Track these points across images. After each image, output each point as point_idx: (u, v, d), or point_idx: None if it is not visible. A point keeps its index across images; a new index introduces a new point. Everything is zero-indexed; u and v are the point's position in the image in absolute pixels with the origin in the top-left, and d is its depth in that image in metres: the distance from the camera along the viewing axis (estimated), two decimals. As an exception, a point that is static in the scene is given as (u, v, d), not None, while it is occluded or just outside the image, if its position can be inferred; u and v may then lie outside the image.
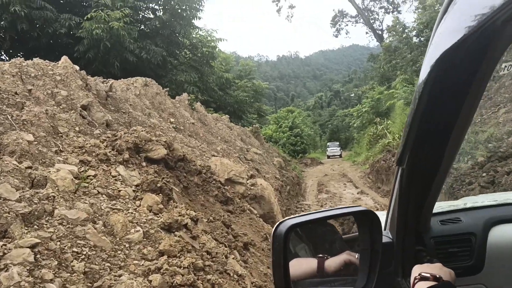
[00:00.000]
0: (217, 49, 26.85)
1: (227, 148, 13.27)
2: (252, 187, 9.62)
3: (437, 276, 1.26)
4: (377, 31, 65.47)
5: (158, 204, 5.82)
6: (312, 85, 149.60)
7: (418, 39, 39.97)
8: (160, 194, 6.12)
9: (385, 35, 56.60)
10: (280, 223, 1.34)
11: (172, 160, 7.40)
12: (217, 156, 10.57)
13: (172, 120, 11.33)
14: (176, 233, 5.38)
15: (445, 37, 0.97)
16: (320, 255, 1.54)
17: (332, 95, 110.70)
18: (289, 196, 16.74)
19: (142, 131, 7.12)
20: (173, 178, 7.18)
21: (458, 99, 1.12)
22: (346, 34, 66.67)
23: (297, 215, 1.42)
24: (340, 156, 52.56)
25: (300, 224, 1.38)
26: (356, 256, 1.53)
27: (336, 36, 59.65)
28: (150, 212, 5.69)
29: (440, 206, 1.91)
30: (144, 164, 6.76)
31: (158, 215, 5.63)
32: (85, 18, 17.77)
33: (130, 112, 9.46)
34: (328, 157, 53.29)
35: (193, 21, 22.64)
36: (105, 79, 10.53)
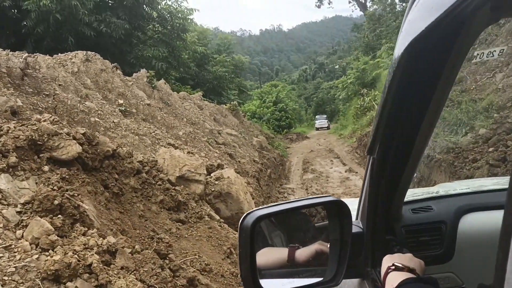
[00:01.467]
0: (189, 21, 24.39)
1: (193, 131, 11.21)
2: (216, 182, 7.60)
3: (411, 267, 1.23)
4: (360, 0, 62.96)
5: (50, 235, 3.80)
6: (296, 58, 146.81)
7: (402, 5, 37.98)
8: (60, 216, 4.09)
9: (369, 4, 54.51)
10: (248, 214, 1.28)
11: (95, 159, 5.32)
12: (173, 144, 8.51)
13: (120, 101, 9.19)
14: (69, 284, 3.38)
15: (414, 24, 0.95)
16: (292, 245, 1.48)
17: (316, 67, 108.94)
18: (270, 180, 14.78)
19: (44, 121, 5.01)
20: (94, 184, 5.13)
21: (428, 88, 1.10)
22: (329, 4, 63.56)
23: (266, 205, 1.39)
24: (328, 128, 51.09)
25: (268, 215, 1.33)
26: (328, 247, 1.46)
27: (319, 7, 57.22)
28: (35, 248, 3.70)
29: (415, 193, 1.90)
30: (46, 168, 4.69)
31: (47, 253, 3.63)
32: (31, -13, 15.32)
33: (57, 94, 7.30)
34: (317, 129, 52.25)
35: (159, -11, 20.19)
36: (29, 54, 8.33)
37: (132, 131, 7.82)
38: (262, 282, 1.29)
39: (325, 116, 56.48)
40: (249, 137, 19.24)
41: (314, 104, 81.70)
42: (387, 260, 1.30)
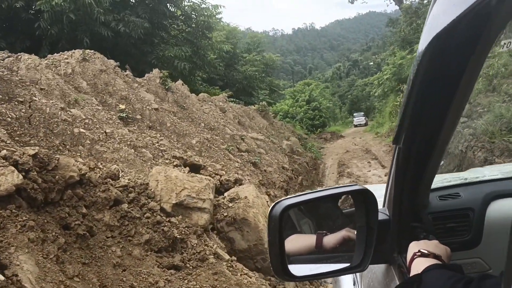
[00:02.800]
0: (216, 19, 22.91)
1: (211, 138, 9.66)
2: (230, 205, 6.01)
3: (436, 254, 1.24)
4: (395, -7, 60.10)
5: None
6: (329, 56, 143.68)
7: (441, -4, 35.32)
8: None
9: (404, -4, 51.85)
10: (276, 203, 1.32)
11: (51, 190, 3.81)
12: (181, 157, 6.96)
13: (122, 107, 7.74)
14: None
15: (439, 18, 0.95)
16: (320, 232, 1.49)
17: (350, 65, 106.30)
18: (301, 188, 13.10)
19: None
20: (44, 226, 3.63)
21: (454, 79, 1.09)
22: (362, -1, 61.05)
23: (294, 195, 1.40)
24: (366, 124, 50.04)
25: (295, 204, 1.35)
26: (355, 233, 1.46)
27: (352, 3, 54.68)
28: None
29: (445, 178, 1.89)
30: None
31: None
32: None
33: (34, 100, 5.88)
34: (355, 126, 51.73)
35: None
36: (11, 54, 6.98)
37: (128, 142, 6.33)
38: (291, 267, 1.32)
39: (363, 113, 55.01)
40: (279, 139, 17.56)
41: (349, 101, 79.44)
42: (413, 247, 1.30)
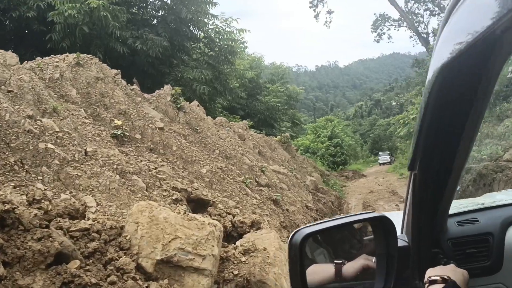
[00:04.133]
0: (240, 44, 21.65)
1: (225, 168, 8.01)
2: (243, 260, 4.29)
3: (446, 277, 1.23)
4: (422, 35, 58.92)
5: None
6: (351, 95, 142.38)
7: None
8: None
9: (431, 38, 50.77)
10: (296, 232, 1.29)
11: None
12: (184, 189, 5.29)
13: (118, 122, 6.18)
14: None
15: (447, 45, 0.97)
16: (338, 261, 1.46)
17: (372, 104, 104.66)
18: (326, 232, 11.28)
19: None
20: None
21: (465, 105, 1.11)
22: (389, 39, 60.17)
23: (313, 223, 1.38)
24: (391, 162, 49.19)
25: (315, 232, 1.33)
26: (374, 260, 1.46)
27: (378, 41, 53.85)
28: None
29: (461, 204, 1.89)
30: None
31: None
32: (58, -4, 13.07)
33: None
34: (380, 164, 51.34)
35: (207, 7, 17.52)
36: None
37: (115, 166, 4.72)
38: None
39: (388, 152, 53.75)
40: (301, 174, 15.81)
41: (370, 140, 77.47)
42: (427, 274, 1.29)
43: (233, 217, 5.70)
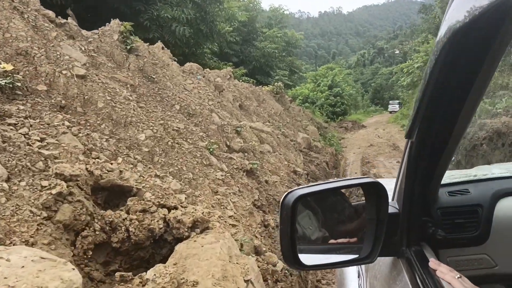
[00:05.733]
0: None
1: (183, 129, 6.00)
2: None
3: None
4: (430, -21, 54.99)
5: None
6: (354, 42, 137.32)
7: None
8: None
9: (440, -17, 47.10)
10: (289, 193, 1.28)
11: None
12: (60, 181, 3.32)
13: (5, 66, 4.11)
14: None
15: (458, 13, 0.95)
16: (329, 223, 1.50)
17: (375, 52, 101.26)
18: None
19: None
20: None
21: (471, 74, 1.06)
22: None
23: (305, 185, 1.36)
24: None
25: (308, 194, 1.32)
26: (364, 225, 1.45)
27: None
28: None
29: (453, 175, 1.86)
30: None
31: None
32: None
33: None
34: (390, 112, 51.46)
35: None
36: None
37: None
38: (301, 257, 1.30)
39: (398, 101, 52.86)
40: (294, 130, 13.78)
41: (372, 90, 75.15)
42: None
43: (169, 211, 3.77)
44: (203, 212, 3.86)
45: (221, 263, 3.00)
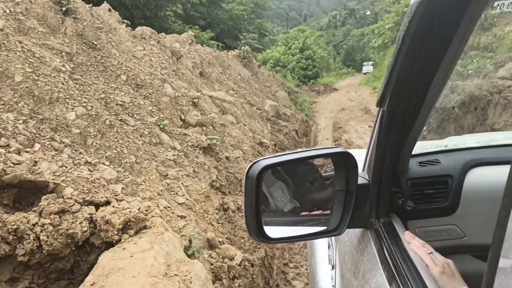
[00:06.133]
0: None
1: (128, 104, 5.22)
2: None
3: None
4: None
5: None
6: (325, 3, 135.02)
7: None
8: None
9: None
10: (254, 163, 1.21)
11: None
12: None
13: None
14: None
15: None
16: (296, 194, 1.43)
17: (347, 13, 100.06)
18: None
19: None
20: None
21: (444, 40, 1.03)
22: None
23: (272, 155, 1.28)
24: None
25: (274, 165, 1.24)
26: (333, 196, 1.41)
27: None
28: None
29: (424, 146, 1.84)
30: None
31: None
32: None
33: None
34: (364, 74, 49.44)
35: None
36: None
37: None
38: (267, 229, 1.25)
39: (371, 62, 51.37)
40: (262, 97, 13.06)
41: (344, 52, 74.57)
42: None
43: (97, 208, 3.09)
44: (139, 208, 3.19)
45: (151, 282, 2.37)
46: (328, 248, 2.34)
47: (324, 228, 1.36)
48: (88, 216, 3.02)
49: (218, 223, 4.68)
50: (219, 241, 4.24)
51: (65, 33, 5.79)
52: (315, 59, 40.61)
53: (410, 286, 1.05)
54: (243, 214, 4.89)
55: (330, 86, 39.09)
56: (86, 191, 3.19)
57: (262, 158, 1.24)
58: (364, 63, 55.40)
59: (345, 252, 1.73)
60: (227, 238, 4.60)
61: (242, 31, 26.87)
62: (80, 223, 2.94)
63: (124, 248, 2.72)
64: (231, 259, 4.04)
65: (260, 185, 1.18)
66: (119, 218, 2.96)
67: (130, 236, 2.99)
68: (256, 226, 1.21)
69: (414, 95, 1.19)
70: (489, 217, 0.76)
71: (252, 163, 1.22)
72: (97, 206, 3.17)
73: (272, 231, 1.26)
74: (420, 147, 1.77)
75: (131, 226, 3.03)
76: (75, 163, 3.55)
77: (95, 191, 3.27)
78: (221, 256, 3.95)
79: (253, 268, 4.51)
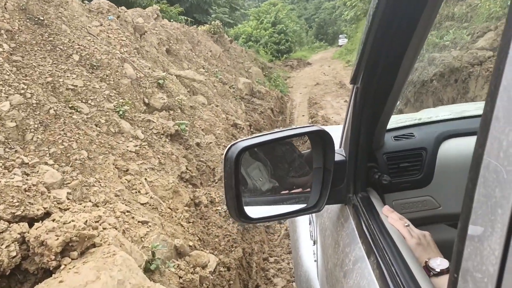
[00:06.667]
0: None
1: (81, 88, 4.49)
2: None
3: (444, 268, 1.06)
4: None
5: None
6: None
7: None
8: None
9: None
10: (232, 145, 1.21)
11: None
12: None
13: None
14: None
15: None
16: (275, 174, 1.43)
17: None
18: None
19: None
20: None
21: (414, 14, 1.02)
22: None
23: (249, 136, 1.28)
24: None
25: (252, 146, 1.24)
26: (311, 174, 1.42)
27: None
28: None
29: (399, 119, 1.84)
30: None
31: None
32: None
33: None
34: (339, 46, 49.08)
35: None
36: None
37: None
38: (247, 209, 1.25)
39: (345, 35, 50.41)
40: (235, 74, 12.34)
41: (316, 25, 73.53)
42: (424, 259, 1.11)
43: (31, 225, 2.45)
44: (86, 221, 2.55)
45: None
46: (310, 224, 2.37)
47: (304, 205, 1.36)
48: (19, 236, 2.37)
49: (189, 222, 4.07)
50: (190, 246, 3.64)
51: (5, 8, 4.95)
52: (288, 33, 39.82)
53: (387, 257, 1.04)
54: (217, 208, 4.25)
55: (303, 61, 38.50)
56: (17, 204, 2.52)
57: (240, 140, 1.23)
58: (340, 36, 54.70)
59: (325, 227, 1.72)
60: (199, 239, 4.01)
61: (212, 5, 25.70)
62: (7, 246, 2.30)
63: (61, 281, 2.10)
64: (204, 267, 3.46)
65: (238, 167, 1.17)
66: (57, 239, 2.32)
67: (72, 259, 2.36)
68: (236, 207, 1.20)
69: (387, 71, 1.18)
70: (462, 187, 0.67)
71: (230, 145, 1.20)
72: (31, 221, 2.51)
73: (253, 211, 1.25)
74: (395, 121, 1.77)
75: (74, 247, 2.39)
76: (7, 166, 2.86)
77: (29, 202, 2.61)
78: (191, 265, 3.37)
79: (229, 272, 3.95)
